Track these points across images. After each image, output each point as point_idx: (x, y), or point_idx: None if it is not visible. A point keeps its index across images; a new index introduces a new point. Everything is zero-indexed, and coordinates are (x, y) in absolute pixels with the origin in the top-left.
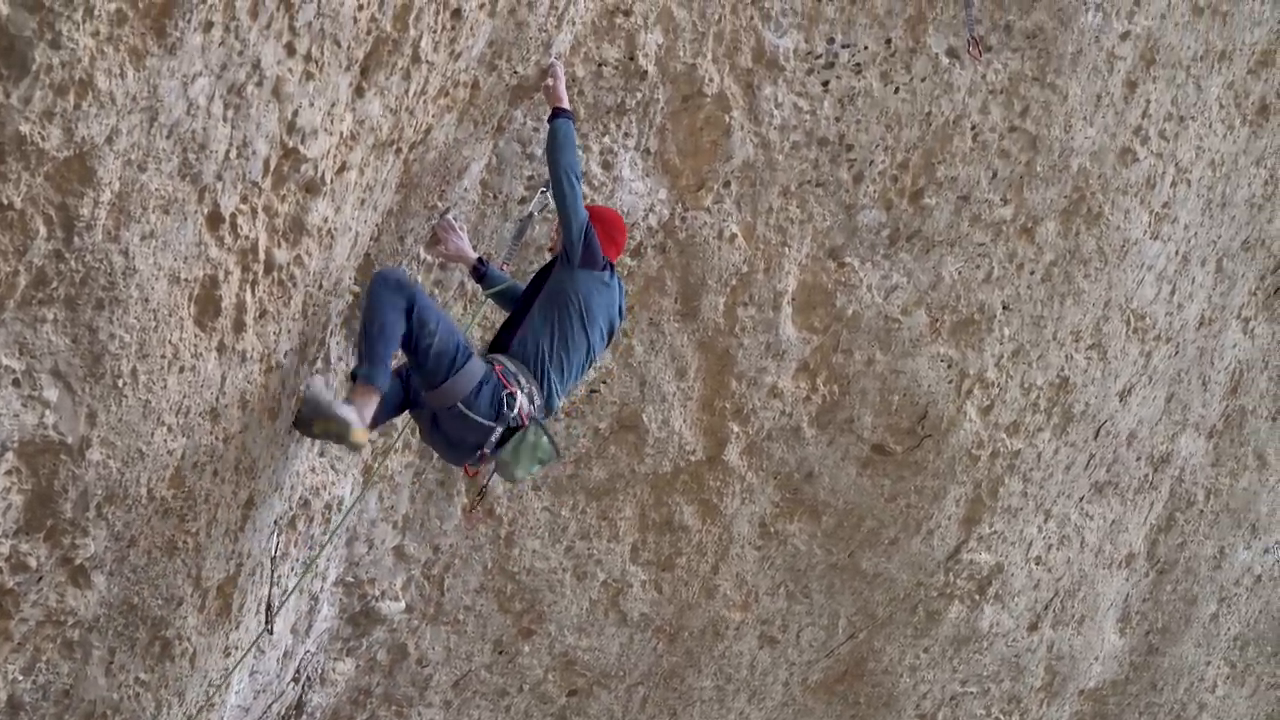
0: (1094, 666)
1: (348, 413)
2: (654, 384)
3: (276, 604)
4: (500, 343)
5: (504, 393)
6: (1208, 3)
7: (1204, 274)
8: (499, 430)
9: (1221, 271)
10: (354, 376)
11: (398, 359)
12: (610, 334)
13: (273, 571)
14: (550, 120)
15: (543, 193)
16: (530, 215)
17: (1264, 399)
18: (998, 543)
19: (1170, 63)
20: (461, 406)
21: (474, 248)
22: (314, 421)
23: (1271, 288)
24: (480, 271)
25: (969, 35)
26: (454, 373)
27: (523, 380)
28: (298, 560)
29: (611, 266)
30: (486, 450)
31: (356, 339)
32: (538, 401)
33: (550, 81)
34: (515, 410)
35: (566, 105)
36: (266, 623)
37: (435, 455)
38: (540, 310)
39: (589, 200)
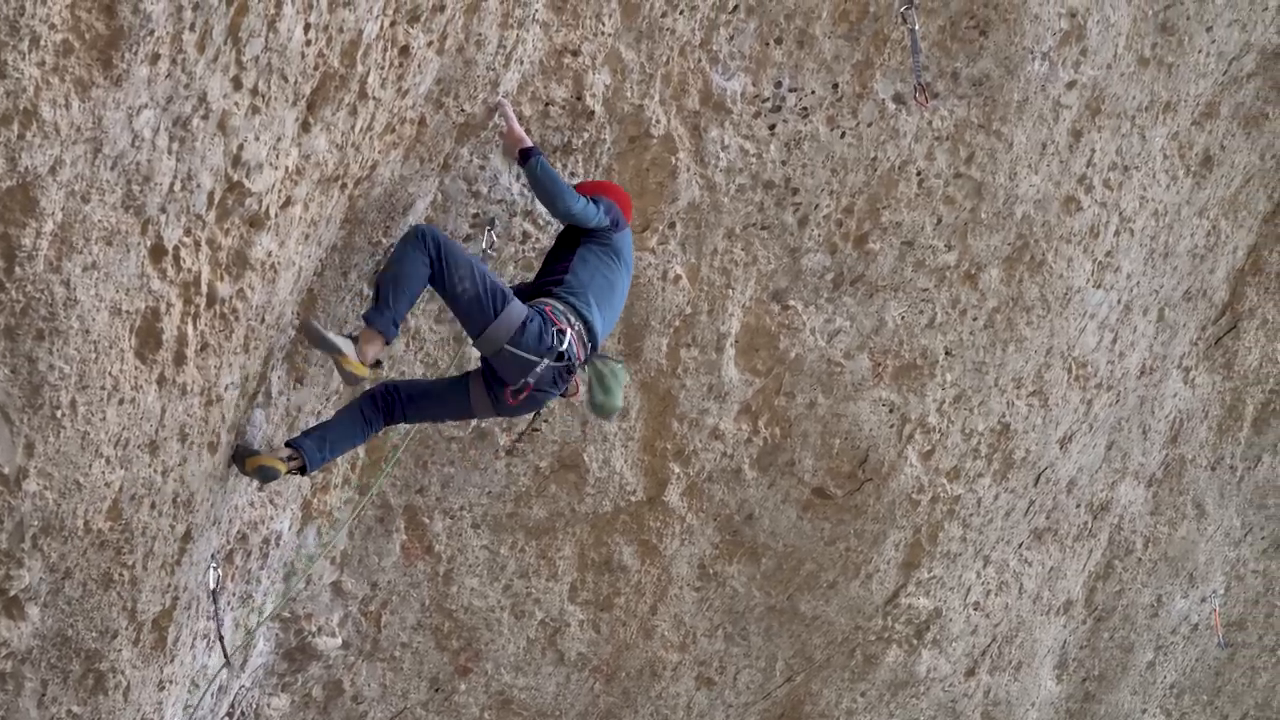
0: (1030, 713)
1: (344, 343)
2: (595, 423)
3: (229, 637)
4: (542, 290)
5: (554, 329)
6: (1153, 54)
7: (1146, 323)
8: (547, 363)
9: (1163, 321)
10: (365, 319)
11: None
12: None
13: (215, 606)
14: (522, 164)
15: (488, 230)
16: (483, 252)
17: (1203, 448)
18: (936, 588)
19: (1115, 112)
20: (510, 347)
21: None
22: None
23: (1213, 338)
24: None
25: (916, 82)
26: (496, 316)
27: (571, 319)
28: (234, 595)
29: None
30: (532, 381)
31: (374, 283)
32: (586, 343)
33: (501, 123)
34: (567, 343)
35: (529, 142)
36: (225, 656)
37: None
38: (585, 263)
39: (534, 240)
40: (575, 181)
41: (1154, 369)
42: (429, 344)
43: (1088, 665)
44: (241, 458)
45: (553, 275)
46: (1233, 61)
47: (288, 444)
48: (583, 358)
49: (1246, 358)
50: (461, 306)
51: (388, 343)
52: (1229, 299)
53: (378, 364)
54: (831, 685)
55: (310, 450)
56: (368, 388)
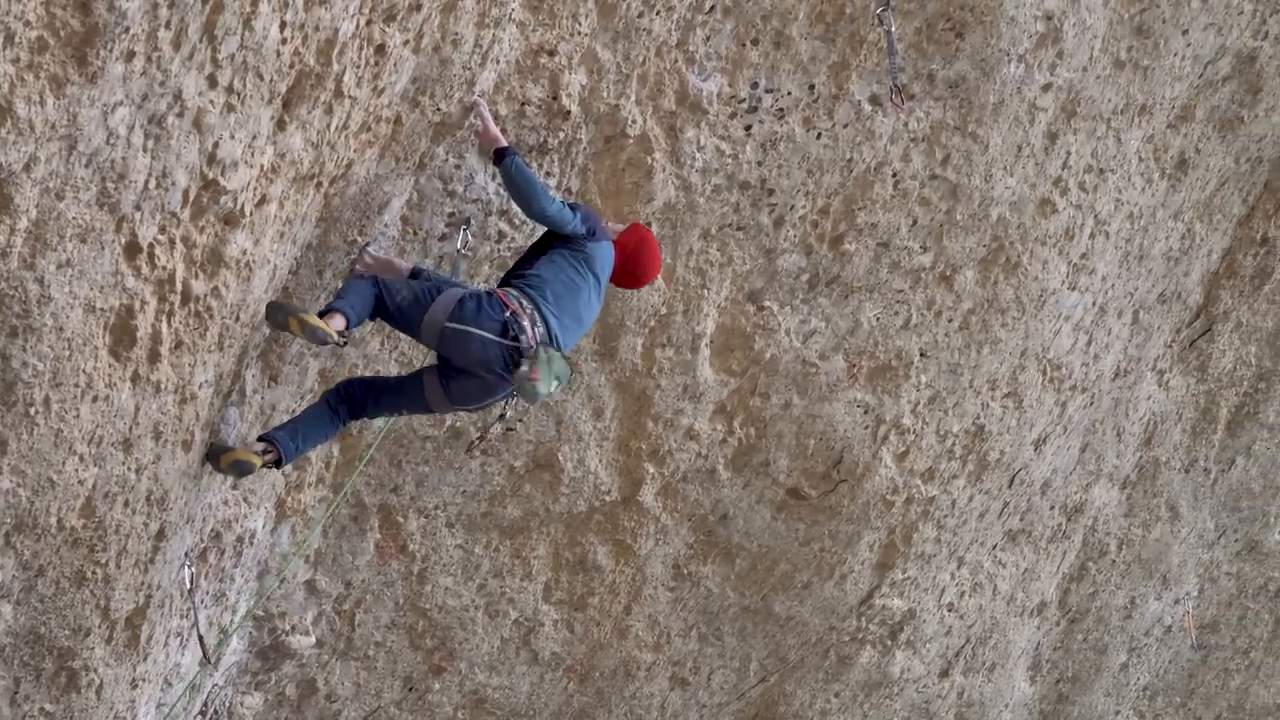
0: (1004, 714)
1: (309, 311)
2: (570, 423)
3: (207, 636)
4: (504, 285)
5: (499, 305)
6: (1129, 57)
7: (1120, 325)
8: (505, 342)
9: (1138, 323)
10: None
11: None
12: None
13: (193, 604)
14: (497, 164)
15: (464, 229)
16: (457, 253)
17: (1177, 451)
18: (910, 589)
19: (1091, 115)
20: (450, 324)
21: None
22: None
23: (1187, 341)
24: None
25: (892, 83)
26: (432, 301)
27: (524, 304)
28: (208, 593)
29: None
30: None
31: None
32: (540, 330)
33: (477, 122)
34: (509, 315)
35: (504, 141)
36: (205, 656)
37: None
38: (552, 263)
39: (509, 239)
40: (551, 182)
41: (1128, 371)
42: (403, 342)
43: (1061, 667)
44: (216, 454)
45: (516, 273)
46: (1208, 65)
47: (261, 438)
48: (535, 341)
49: (1220, 360)
50: (405, 313)
51: (348, 326)
52: (1203, 302)
53: (343, 338)
54: (805, 686)
55: (284, 441)
56: (337, 345)
